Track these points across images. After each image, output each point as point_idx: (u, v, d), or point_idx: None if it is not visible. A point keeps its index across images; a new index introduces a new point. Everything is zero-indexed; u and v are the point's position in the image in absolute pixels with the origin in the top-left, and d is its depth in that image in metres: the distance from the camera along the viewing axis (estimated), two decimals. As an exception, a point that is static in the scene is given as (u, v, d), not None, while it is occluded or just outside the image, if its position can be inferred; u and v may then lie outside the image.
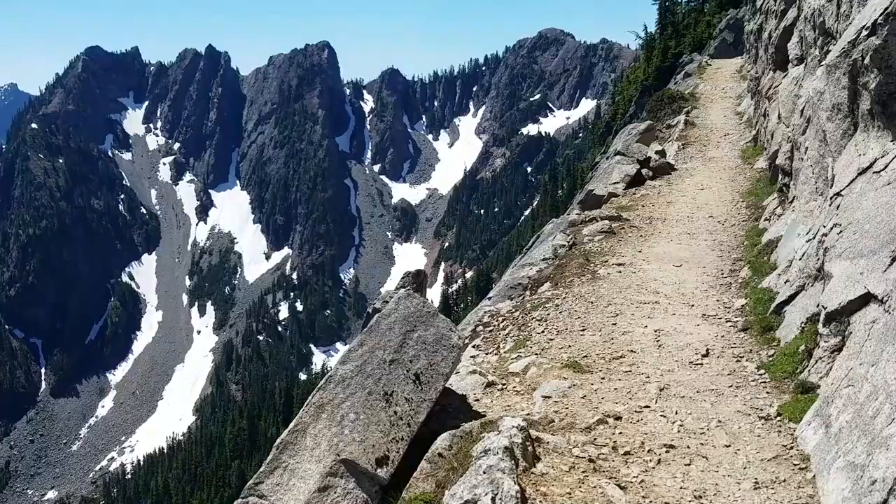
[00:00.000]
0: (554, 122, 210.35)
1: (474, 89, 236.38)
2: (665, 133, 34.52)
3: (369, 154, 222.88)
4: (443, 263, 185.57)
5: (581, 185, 69.08)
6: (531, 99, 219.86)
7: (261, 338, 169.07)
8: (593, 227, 14.51)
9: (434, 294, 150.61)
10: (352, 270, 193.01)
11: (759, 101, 29.95)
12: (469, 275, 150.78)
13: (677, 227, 14.80)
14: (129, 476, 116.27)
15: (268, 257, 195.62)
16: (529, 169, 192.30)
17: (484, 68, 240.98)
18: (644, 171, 19.85)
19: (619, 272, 12.12)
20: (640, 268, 12.34)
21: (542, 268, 12.90)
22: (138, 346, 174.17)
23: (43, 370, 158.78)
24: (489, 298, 12.66)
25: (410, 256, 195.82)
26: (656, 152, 22.20)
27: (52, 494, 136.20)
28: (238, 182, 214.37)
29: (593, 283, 11.80)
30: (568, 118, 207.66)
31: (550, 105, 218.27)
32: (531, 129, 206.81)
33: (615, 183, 19.30)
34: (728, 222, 14.83)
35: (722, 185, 18.61)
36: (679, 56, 54.03)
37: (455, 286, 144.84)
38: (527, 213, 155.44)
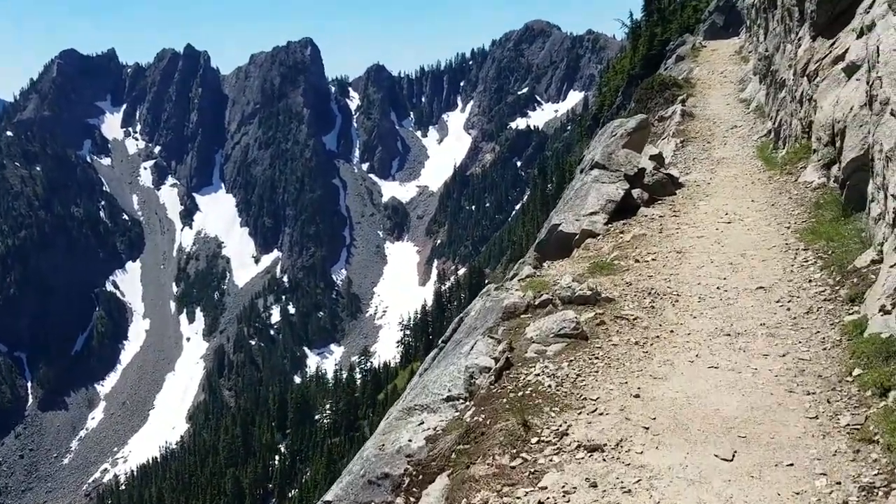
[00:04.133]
0: (542, 116, 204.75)
1: (462, 84, 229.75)
2: (658, 127, 28.27)
3: (357, 152, 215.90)
4: (435, 261, 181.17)
5: (568, 179, 63.34)
6: (519, 92, 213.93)
7: (253, 342, 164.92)
8: (548, 323, 7.63)
9: (427, 292, 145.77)
10: (344, 271, 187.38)
11: (775, 85, 23.44)
12: (462, 272, 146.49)
13: (703, 318, 7.93)
14: (123, 487, 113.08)
15: (257, 260, 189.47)
16: (519, 163, 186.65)
17: (471, 62, 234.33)
18: (636, 191, 12.95)
19: (590, 472, 5.23)
20: (638, 458, 5.41)
21: (435, 432, 6.11)
22: (126, 355, 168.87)
23: (29, 384, 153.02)
24: (325, 504, 5.89)
25: (403, 255, 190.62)
26: (651, 157, 15.31)
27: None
28: (223, 185, 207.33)
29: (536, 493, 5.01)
30: (556, 111, 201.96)
31: (538, 98, 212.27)
32: (520, 123, 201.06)
33: (592, 213, 12.39)
34: (796, 304, 7.93)
35: (757, 214, 11.72)
36: (666, 43, 50.86)
37: (448, 284, 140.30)
38: (518, 207, 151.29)
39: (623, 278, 9.46)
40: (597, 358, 7.04)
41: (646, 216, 12.38)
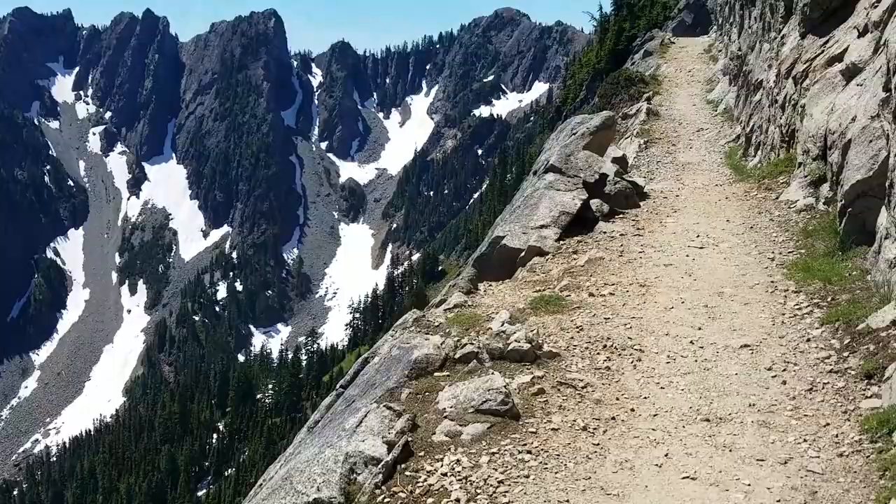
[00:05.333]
0: (506, 105, 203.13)
1: (428, 67, 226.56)
2: (621, 125, 26.72)
3: (316, 130, 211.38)
4: (390, 245, 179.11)
5: (528, 171, 61.52)
6: (485, 80, 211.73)
7: (196, 318, 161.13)
8: (468, 391, 5.60)
9: (380, 276, 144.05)
10: (295, 250, 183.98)
11: (748, 87, 21.98)
12: (416, 257, 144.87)
13: (673, 388, 5.99)
14: (54, 459, 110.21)
15: (206, 235, 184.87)
16: (480, 151, 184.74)
17: (438, 46, 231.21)
18: (594, 202, 11.01)
19: None
20: None
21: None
22: (64, 324, 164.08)
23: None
24: None
25: (357, 237, 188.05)
26: (614, 160, 13.41)
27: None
28: (174, 155, 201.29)
29: None
30: (520, 101, 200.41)
31: (503, 87, 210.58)
32: (483, 111, 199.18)
33: (543, 227, 10.41)
34: (794, 374, 6.03)
35: (734, 238, 9.87)
36: (633, 39, 49.75)
37: (401, 269, 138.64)
38: (476, 196, 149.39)
39: (573, 320, 7.50)
40: (529, 452, 5.05)
41: (604, 233, 10.44)
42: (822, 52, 13.01)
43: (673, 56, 37.21)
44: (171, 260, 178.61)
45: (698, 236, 10.03)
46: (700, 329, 7.11)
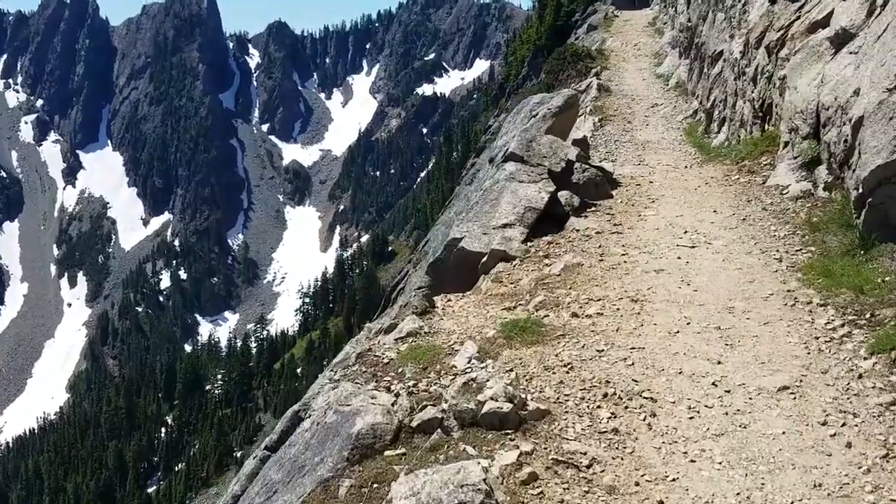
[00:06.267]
0: (449, 83, 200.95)
1: (368, 46, 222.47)
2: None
3: (257, 113, 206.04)
4: (338, 227, 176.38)
5: (474, 149, 60.24)
6: (426, 58, 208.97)
7: (140, 309, 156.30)
8: (433, 487, 3.99)
9: (329, 259, 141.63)
10: (240, 236, 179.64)
11: (702, 59, 20.91)
12: (365, 239, 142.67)
13: (705, 460, 4.47)
14: None
15: (146, 223, 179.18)
16: (425, 130, 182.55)
17: (377, 24, 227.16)
18: (563, 194, 9.45)
19: None
20: None
21: None
22: (2, 321, 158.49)
23: None
24: None
25: (304, 220, 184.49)
26: (575, 142, 11.88)
27: None
28: (109, 142, 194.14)
29: None
30: (463, 79, 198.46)
31: (445, 65, 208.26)
32: (426, 89, 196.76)
33: (507, 226, 8.79)
34: (856, 433, 4.57)
35: (728, 234, 8.40)
36: (572, 14, 48.55)
37: (350, 251, 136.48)
38: (423, 174, 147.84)
39: (558, 353, 5.92)
40: None
41: (578, 231, 8.88)
42: (799, 17, 11.63)
43: (618, 30, 35.93)
44: (110, 250, 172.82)
45: (686, 232, 8.54)
46: (719, 363, 5.59)
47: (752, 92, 12.62)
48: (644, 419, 4.95)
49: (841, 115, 8.39)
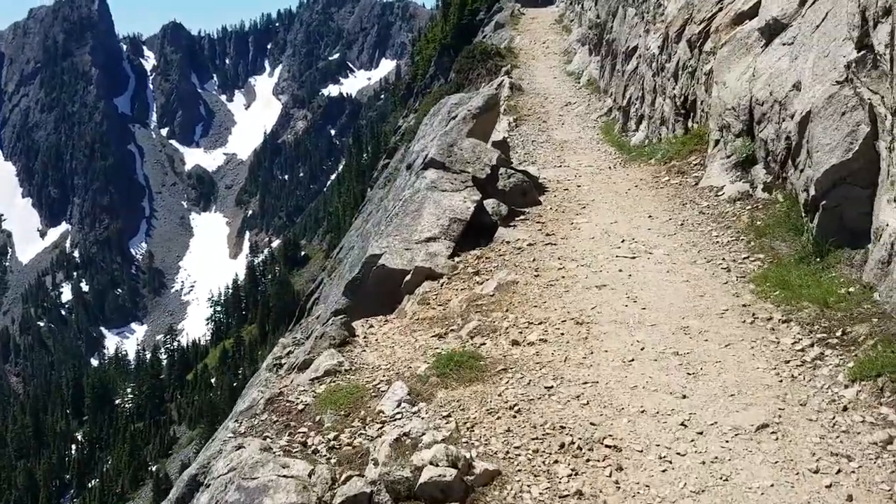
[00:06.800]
0: (355, 83, 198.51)
1: (269, 47, 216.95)
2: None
3: (154, 117, 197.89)
4: (247, 233, 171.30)
5: (384, 150, 59.18)
6: (330, 58, 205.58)
7: (42, 324, 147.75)
8: None
9: (239, 266, 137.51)
10: (144, 244, 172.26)
11: (614, 56, 20.70)
12: (276, 244, 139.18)
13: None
14: None
15: (43, 235, 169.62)
16: (333, 131, 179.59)
17: (278, 24, 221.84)
18: (490, 203, 8.68)
19: None
20: None
21: None
22: None
23: None
24: None
25: (210, 226, 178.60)
26: (494, 145, 11.17)
27: None
28: (0, 152, 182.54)
29: None
30: (369, 79, 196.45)
31: (350, 65, 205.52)
32: (332, 90, 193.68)
33: (431, 239, 7.95)
34: (864, 485, 3.94)
35: (668, 241, 7.82)
36: (476, 13, 48.29)
37: (262, 256, 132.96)
38: (333, 177, 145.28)
39: (501, 393, 5.12)
40: None
41: (508, 243, 8.12)
42: (722, 8, 11.23)
43: (525, 27, 35.73)
44: (7, 264, 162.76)
45: (623, 241, 7.91)
46: (684, 397, 4.90)
47: (674, 88, 12.20)
48: (610, 475, 4.19)
49: (779, 110, 7.91)
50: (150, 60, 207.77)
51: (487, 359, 5.61)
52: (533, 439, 4.59)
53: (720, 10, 11.20)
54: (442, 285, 7.52)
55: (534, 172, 10.76)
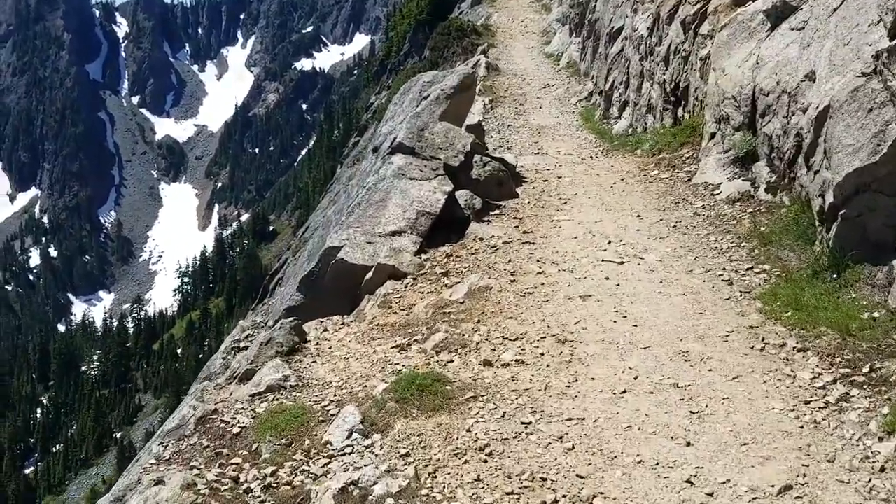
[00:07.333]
0: (328, 58, 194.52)
1: (242, 17, 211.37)
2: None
3: (126, 85, 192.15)
4: (216, 205, 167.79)
5: (356, 127, 57.66)
6: (304, 31, 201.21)
7: (9, 288, 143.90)
8: None
9: (207, 238, 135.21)
10: (113, 213, 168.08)
11: (596, 37, 19.84)
12: (245, 217, 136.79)
13: None
14: None
15: (12, 199, 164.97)
16: (305, 106, 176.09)
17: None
18: (463, 194, 7.73)
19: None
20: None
21: None
22: None
23: None
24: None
25: (180, 197, 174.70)
26: (468, 128, 10.20)
27: None
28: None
29: None
30: (342, 54, 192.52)
31: (324, 39, 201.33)
32: (305, 64, 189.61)
33: (396, 233, 6.99)
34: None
35: (660, 245, 6.95)
36: (453, -11, 46.50)
37: (230, 229, 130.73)
38: (304, 152, 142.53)
39: (470, 429, 4.23)
40: None
41: (481, 240, 7.18)
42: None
43: (503, 4, 34.48)
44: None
45: (610, 242, 7.00)
46: (689, 444, 4.03)
47: (664, 73, 11.27)
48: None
49: (788, 102, 7.02)
50: (122, 27, 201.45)
51: (455, 382, 4.69)
52: (508, 494, 3.70)
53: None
54: (406, 286, 6.57)
55: (511, 160, 9.81)
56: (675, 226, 7.29)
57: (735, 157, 7.90)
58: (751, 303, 5.56)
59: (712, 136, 8.61)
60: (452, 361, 5.06)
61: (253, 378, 5.40)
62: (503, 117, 16.78)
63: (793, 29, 7.54)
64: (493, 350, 5.14)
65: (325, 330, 6.27)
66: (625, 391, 4.54)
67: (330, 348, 5.71)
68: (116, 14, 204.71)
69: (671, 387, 4.56)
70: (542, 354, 5.04)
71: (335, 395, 4.80)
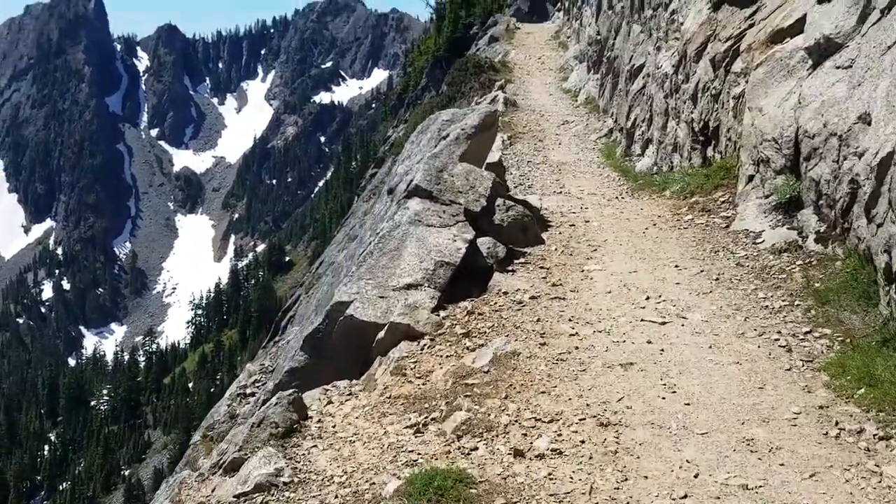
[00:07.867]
0: (347, 92, 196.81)
1: (263, 52, 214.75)
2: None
3: (145, 117, 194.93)
4: (233, 236, 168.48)
5: (373, 159, 57.60)
6: (323, 66, 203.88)
7: (20, 321, 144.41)
8: None
9: (223, 269, 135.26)
10: (128, 244, 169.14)
11: (615, 74, 19.36)
12: (261, 248, 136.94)
13: None
14: None
15: (27, 230, 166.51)
16: (323, 139, 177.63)
17: (272, 30, 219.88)
18: (485, 242, 7.09)
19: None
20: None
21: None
22: None
23: None
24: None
25: (196, 229, 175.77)
26: (488, 167, 9.58)
27: None
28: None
29: None
30: (361, 88, 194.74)
31: (343, 73, 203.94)
32: (324, 98, 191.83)
33: (412, 287, 6.35)
34: None
35: (704, 302, 6.22)
36: (470, 27, 47.30)
37: (246, 260, 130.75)
38: (321, 184, 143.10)
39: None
40: None
41: (506, 294, 6.51)
42: (753, 24, 9.73)
43: (520, 42, 34.38)
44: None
45: (648, 298, 6.31)
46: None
47: (691, 112, 10.66)
48: None
49: (839, 146, 6.36)
50: (143, 61, 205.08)
51: (481, 483, 3.97)
52: None
53: (751, 26, 9.71)
54: (423, 349, 5.89)
55: (535, 202, 9.18)
56: (717, 279, 6.59)
57: (777, 202, 7.22)
58: (815, 374, 4.84)
59: (750, 178, 7.94)
60: (477, 449, 4.36)
61: (240, 470, 4.70)
62: (522, 153, 16.25)
63: (838, 67, 6.91)
64: (525, 435, 4.43)
65: (330, 402, 5.59)
66: (685, 496, 3.82)
67: (334, 427, 5.02)
68: (138, 48, 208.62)
69: (739, 489, 3.84)
70: (583, 442, 4.33)
71: (336, 497, 4.10)
